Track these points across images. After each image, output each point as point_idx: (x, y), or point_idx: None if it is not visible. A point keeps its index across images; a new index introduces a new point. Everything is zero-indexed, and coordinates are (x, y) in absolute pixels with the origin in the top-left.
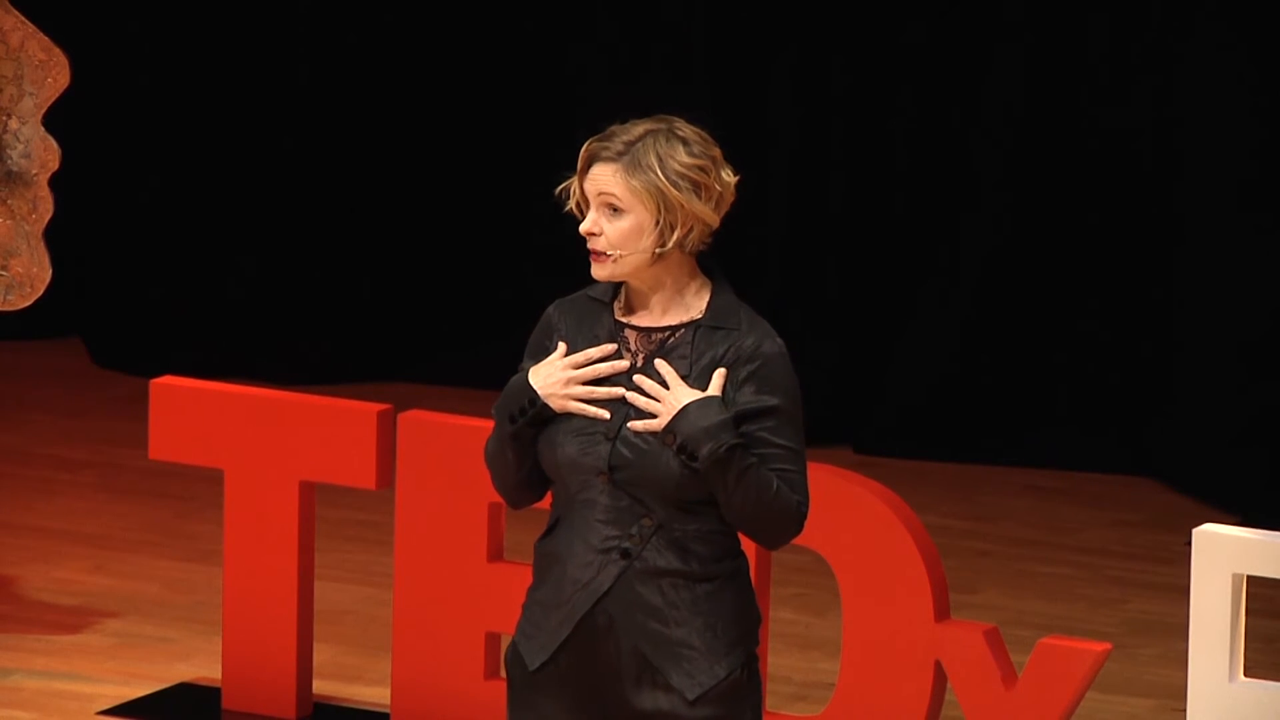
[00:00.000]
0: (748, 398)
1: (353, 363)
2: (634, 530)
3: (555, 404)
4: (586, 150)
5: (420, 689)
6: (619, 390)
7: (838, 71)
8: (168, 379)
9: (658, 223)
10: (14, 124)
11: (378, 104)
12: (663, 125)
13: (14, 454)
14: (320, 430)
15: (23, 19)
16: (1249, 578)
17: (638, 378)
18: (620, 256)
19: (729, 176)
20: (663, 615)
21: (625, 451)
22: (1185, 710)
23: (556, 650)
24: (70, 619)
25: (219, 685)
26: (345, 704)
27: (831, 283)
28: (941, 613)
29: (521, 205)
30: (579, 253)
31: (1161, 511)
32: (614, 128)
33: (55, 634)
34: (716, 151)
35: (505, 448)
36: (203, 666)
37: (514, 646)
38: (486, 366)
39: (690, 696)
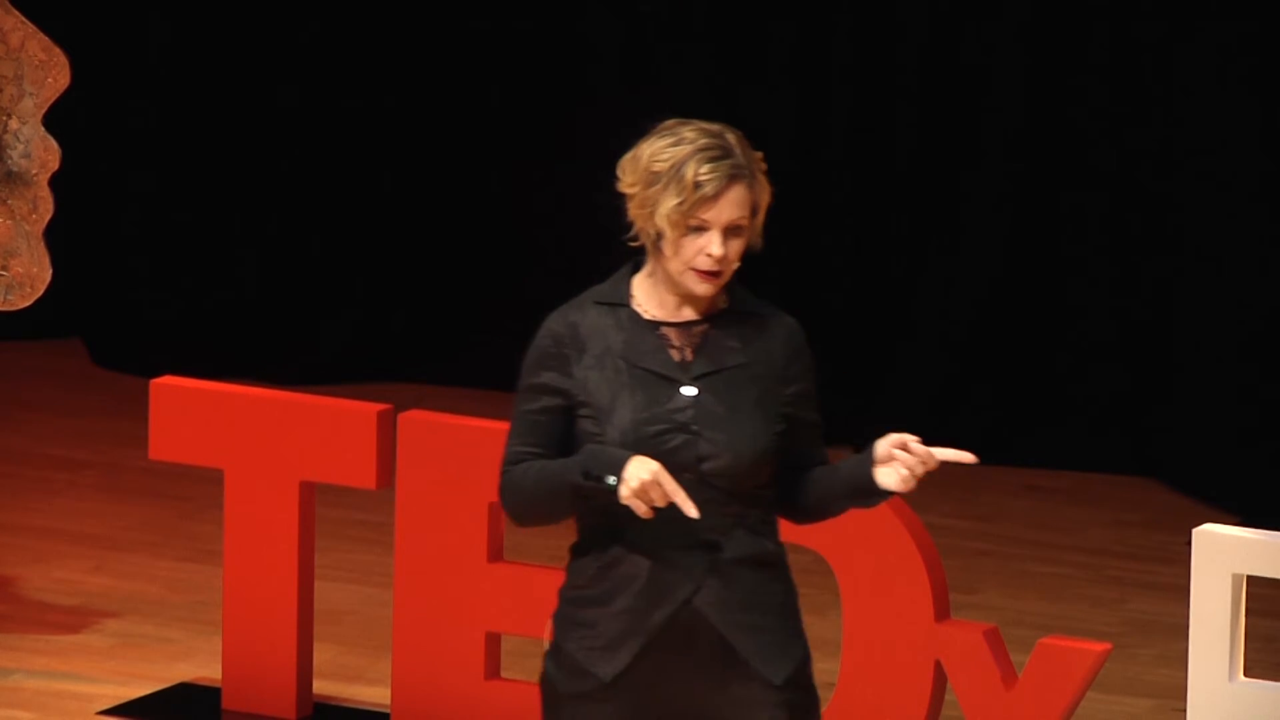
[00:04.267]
0: (801, 386)
1: (353, 363)
2: (717, 522)
3: (630, 488)
4: (704, 173)
5: (420, 689)
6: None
7: (838, 74)
8: (168, 379)
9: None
10: (14, 124)
11: (378, 104)
12: (723, 129)
13: (14, 454)
14: (320, 430)
15: (23, 19)
16: (1249, 578)
17: (916, 446)
18: (733, 269)
19: None
20: (747, 604)
21: (710, 442)
22: (1185, 710)
23: (637, 656)
24: (70, 619)
25: (219, 685)
26: (345, 704)
27: (832, 283)
28: (941, 613)
29: (522, 205)
30: (579, 254)
31: (1161, 511)
32: (703, 143)
33: (55, 634)
34: None
35: (565, 500)
36: (203, 666)
37: (564, 660)
38: (486, 366)
39: (777, 681)
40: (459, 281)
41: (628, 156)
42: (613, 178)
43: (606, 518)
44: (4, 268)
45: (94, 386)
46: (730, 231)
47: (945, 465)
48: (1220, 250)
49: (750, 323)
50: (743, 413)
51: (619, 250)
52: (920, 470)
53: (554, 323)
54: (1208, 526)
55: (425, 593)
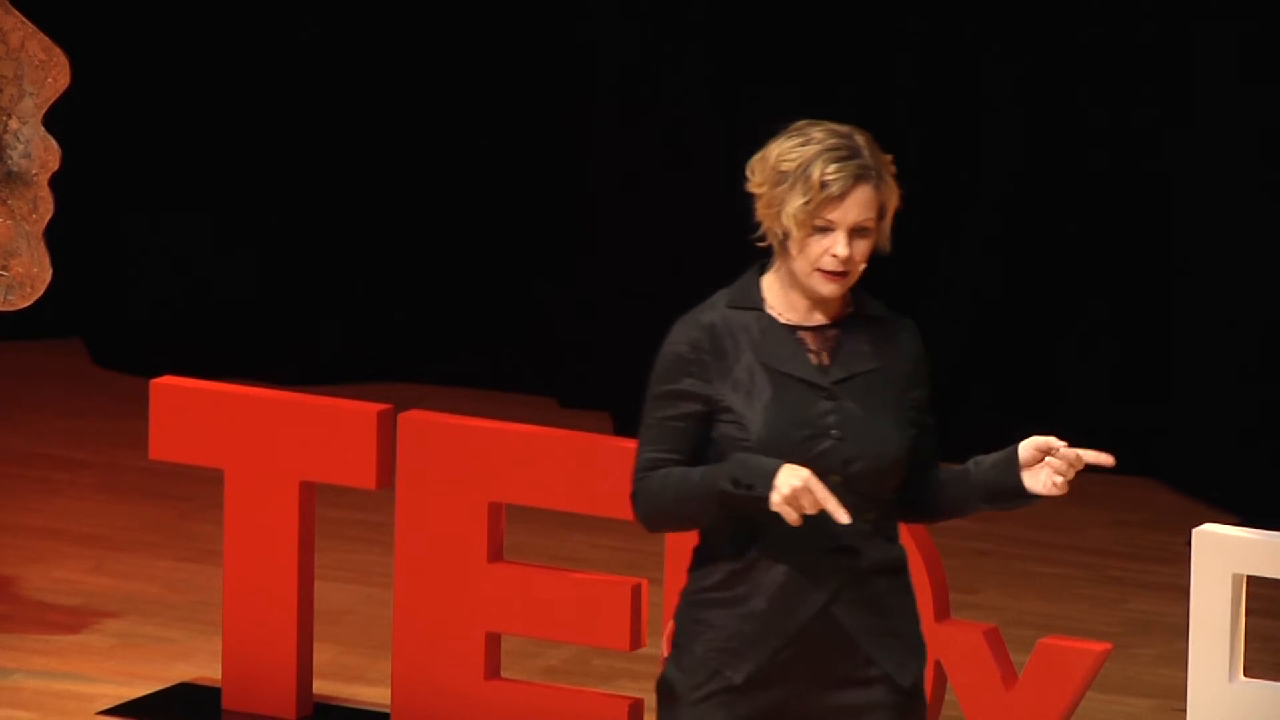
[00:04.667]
0: (924, 390)
1: (353, 363)
2: (857, 527)
3: (780, 494)
4: (830, 173)
5: (420, 689)
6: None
7: (838, 74)
8: (168, 379)
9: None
10: (14, 124)
11: (378, 103)
12: (852, 130)
13: (14, 454)
14: (320, 430)
15: (23, 19)
16: (1249, 578)
17: (1067, 451)
18: (859, 271)
19: None
20: (881, 609)
21: (856, 446)
22: (1185, 710)
23: (769, 659)
24: (70, 619)
25: (219, 685)
26: (345, 704)
27: None
28: (941, 613)
29: (523, 205)
30: (579, 254)
31: (1161, 511)
32: (831, 143)
33: (55, 634)
34: None
35: (711, 508)
36: (203, 666)
37: (690, 663)
38: (487, 366)
39: (906, 684)
40: (459, 281)
41: (757, 157)
42: (611, 177)
43: (742, 521)
44: (4, 268)
45: (94, 386)
46: (856, 232)
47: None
48: (1220, 250)
49: (877, 326)
50: (881, 417)
51: (618, 250)
52: (1071, 474)
53: (690, 328)
54: (1208, 526)
55: (425, 593)
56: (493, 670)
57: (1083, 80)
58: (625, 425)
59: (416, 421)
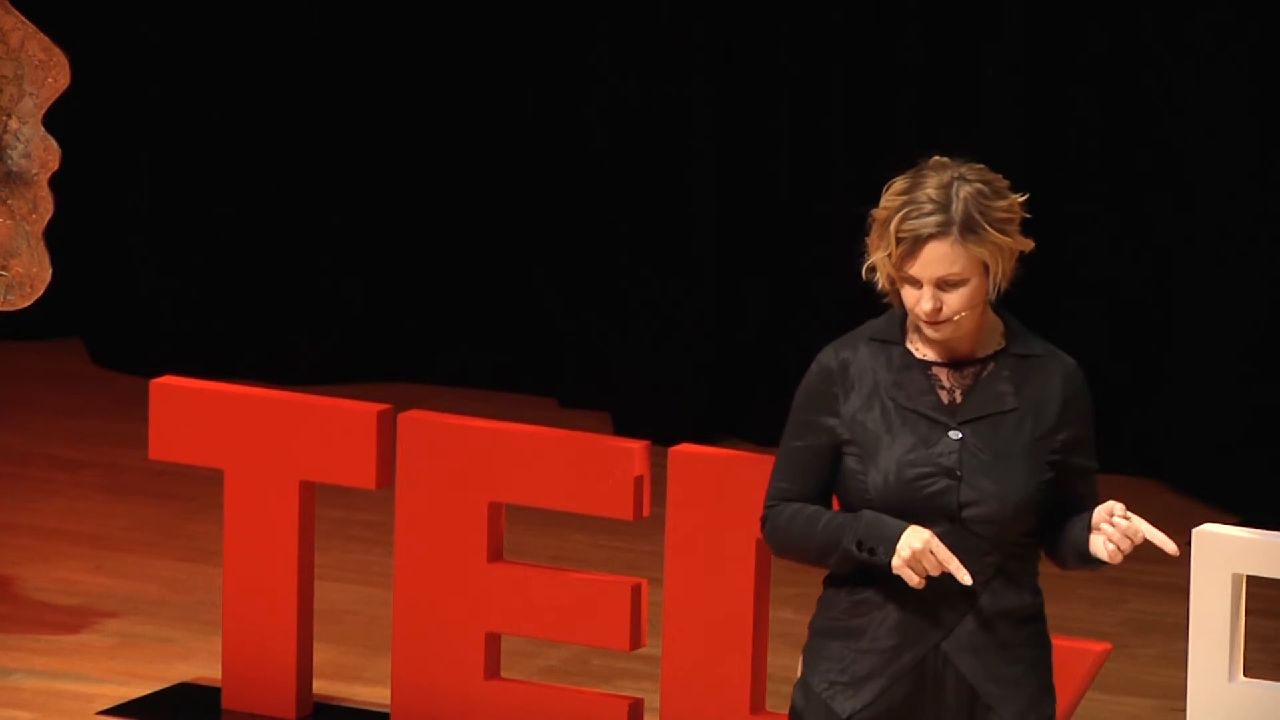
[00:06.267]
0: (1075, 431)
1: (353, 363)
2: (976, 570)
3: (901, 558)
4: (904, 229)
5: (420, 689)
6: (967, 579)
7: (837, 77)
8: (168, 379)
9: (987, 272)
10: (14, 124)
11: (379, 103)
12: (955, 175)
13: (14, 454)
14: (320, 430)
15: (23, 19)
16: (1249, 578)
17: (1130, 524)
18: (963, 318)
19: (1018, 196)
20: (999, 654)
21: (973, 489)
22: (1185, 710)
23: (879, 695)
24: (70, 619)
25: (219, 685)
26: (345, 704)
27: (832, 287)
28: None
29: (525, 205)
30: (579, 255)
31: (1161, 511)
32: (910, 196)
33: (55, 634)
34: (1001, 177)
35: (834, 559)
36: (203, 666)
37: (807, 694)
38: (487, 366)
39: None
40: (459, 281)
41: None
42: (610, 176)
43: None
44: (4, 268)
45: (94, 386)
46: (947, 284)
47: None
48: (1220, 250)
49: (1025, 365)
50: (1009, 460)
51: (618, 251)
52: (1126, 545)
53: (827, 358)
54: (1208, 526)
55: (425, 593)
56: (493, 670)
57: (1079, 78)
58: (625, 425)
59: (416, 421)
